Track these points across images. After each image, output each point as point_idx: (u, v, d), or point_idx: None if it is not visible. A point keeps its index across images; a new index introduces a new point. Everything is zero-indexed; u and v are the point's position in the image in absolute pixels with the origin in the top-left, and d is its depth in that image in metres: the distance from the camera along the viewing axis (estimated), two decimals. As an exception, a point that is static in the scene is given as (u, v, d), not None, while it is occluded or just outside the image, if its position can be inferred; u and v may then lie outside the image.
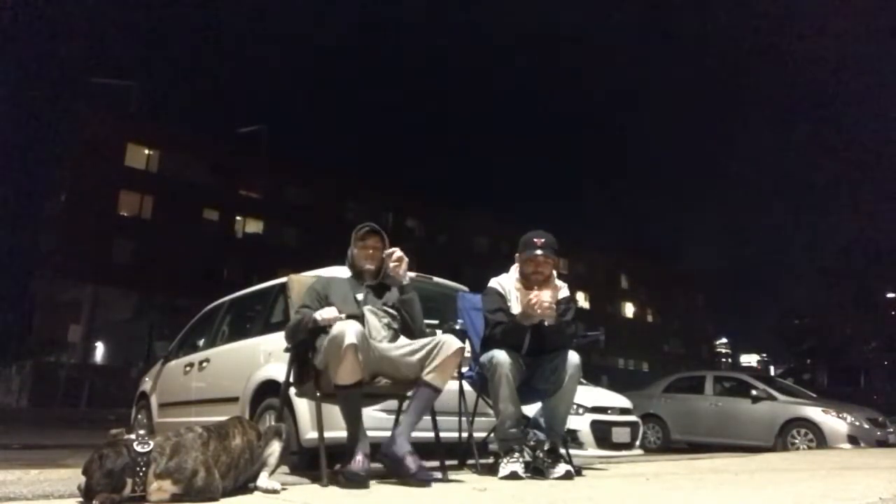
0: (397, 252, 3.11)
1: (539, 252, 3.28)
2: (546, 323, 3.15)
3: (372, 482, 2.62)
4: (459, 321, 3.69)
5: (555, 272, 3.42)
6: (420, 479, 2.60)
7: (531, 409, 3.37)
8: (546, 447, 3.12)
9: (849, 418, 8.74)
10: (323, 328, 2.86)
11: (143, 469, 1.90)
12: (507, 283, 3.37)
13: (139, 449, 1.91)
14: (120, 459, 1.86)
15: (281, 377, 3.22)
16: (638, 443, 6.77)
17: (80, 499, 1.89)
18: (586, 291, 44.54)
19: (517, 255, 3.41)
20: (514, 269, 3.43)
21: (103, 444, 1.90)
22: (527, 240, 3.35)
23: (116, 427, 2.06)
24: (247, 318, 5.32)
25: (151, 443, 1.95)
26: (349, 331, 2.64)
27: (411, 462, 2.64)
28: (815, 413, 8.90)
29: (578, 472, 3.33)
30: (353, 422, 2.75)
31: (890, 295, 32.95)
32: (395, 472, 2.69)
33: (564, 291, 3.41)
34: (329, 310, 2.85)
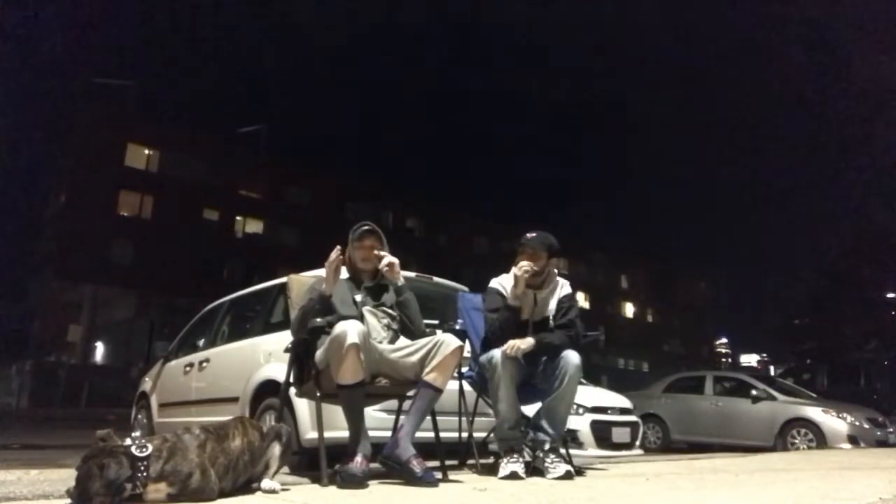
0: (386, 259, 3.10)
1: (528, 244, 3.31)
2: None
3: (371, 482, 2.62)
4: (459, 321, 3.69)
5: (555, 269, 3.43)
6: (426, 482, 2.60)
7: (531, 409, 3.37)
8: (546, 447, 3.12)
9: (849, 418, 8.74)
10: (324, 328, 2.86)
11: (144, 473, 1.90)
12: (507, 283, 3.38)
13: (138, 454, 1.91)
14: (122, 471, 1.85)
15: (281, 377, 3.22)
16: (638, 443, 6.77)
17: (71, 502, 1.87)
18: (586, 291, 44.51)
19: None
20: None
21: (97, 449, 1.87)
22: (522, 237, 3.40)
23: (114, 426, 2.05)
24: (247, 318, 5.31)
25: (150, 446, 1.94)
26: (351, 330, 2.64)
27: (416, 465, 2.63)
28: (815, 413, 8.90)
29: (578, 472, 3.33)
30: (355, 422, 2.74)
31: (890, 295, 32.91)
32: (399, 475, 2.69)
33: (567, 289, 3.43)
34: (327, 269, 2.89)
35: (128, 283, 28.24)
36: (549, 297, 3.37)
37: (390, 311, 3.12)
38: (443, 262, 27.61)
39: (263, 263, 28.19)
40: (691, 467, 4.30)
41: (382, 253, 3.12)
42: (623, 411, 6.75)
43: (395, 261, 3.12)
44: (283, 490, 2.36)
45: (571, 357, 3.16)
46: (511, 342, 3.10)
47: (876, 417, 9.20)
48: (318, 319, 2.90)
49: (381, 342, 2.97)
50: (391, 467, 2.72)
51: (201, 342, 5.62)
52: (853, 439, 8.56)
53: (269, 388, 4.08)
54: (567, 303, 3.38)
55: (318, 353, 2.89)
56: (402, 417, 3.03)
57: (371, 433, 2.82)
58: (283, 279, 3.88)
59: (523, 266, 3.23)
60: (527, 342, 3.12)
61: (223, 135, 34.22)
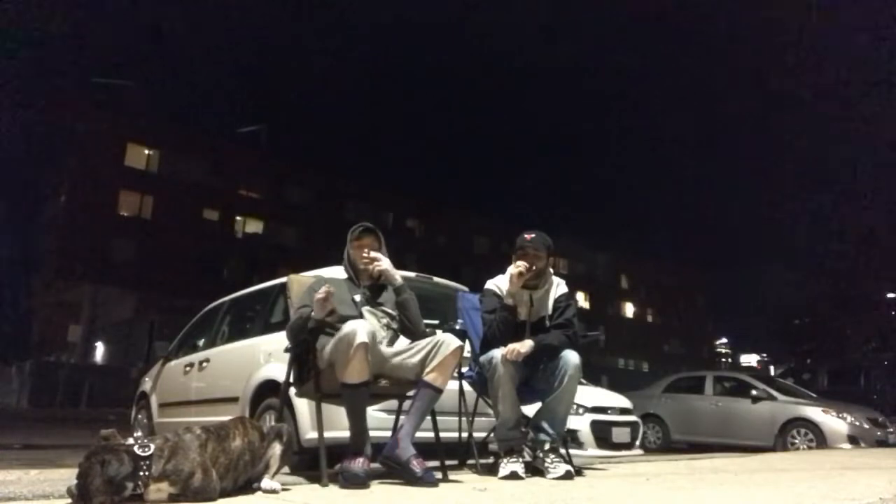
0: (376, 265, 3.09)
1: (529, 245, 3.31)
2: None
3: (372, 482, 2.62)
4: (459, 321, 3.70)
5: (551, 269, 3.44)
6: (426, 482, 2.60)
7: (531, 410, 3.38)
8: (546, 447, 3.12)
9: (849, 418, 8.75)
10: (324, 328, 2.86)
11: (145, 472, 1.90)
12: (503, 284, 3.38)
13: (140, 453, 1.91)
14: (123, 468, 1.85)
15: (281, 377, 3.22)
16: (638, 443, 6.77)
17: (71, 501, 1.86)
18: (586, 291, 44.52)
19: (513, 256, 3.43)
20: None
21: (99, 447, 1.88)
22: (518, 237, 3.40)
23: (115, 426, 2.05)
24: (247, 318, 5.32)
25: (152, 446, 1.95)
26: (360, 329, 2.63)
27: (416, 465, 2.64)
28: (815, 413, 8.91)
29: (578, 472, 3.34)
30: (358, 421, 2.74)
31: (890, 295, 32.93)
32: (399, 475, 2.69)
33: (563, 288, 3.42)
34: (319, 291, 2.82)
35: (128, 283, 28.23)
36: (546, 296, 3.37)
37: (389, 311, 3.12)
38: (443, 262, 27.62)
39: (263, 263, 28.20)
40: (691, 467, 4.30)
41: (374, 254, 3.11)
42: (623, 411, 6.75)
43: (384, 267, 3.10)
44: (284, 490, 2.36)
45: (571, 357, 3.16)
46: (511, 346, 3.10)
47: (876, 417, 9.20)
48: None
49: (380, 342, 2.96)
50: (391, 467, 2.72)
51: (201, 342, 5.63)
52: (853, 439, 8.56)
53: (269, 388, 4.08)
54: (564, 302, 3.37)
55: (326, 350, 2.87)
56: (402, 417, 3.03)
57: (371, 433, 2.81)
58: (283, 279, 3.88)
59: (519, 265, 3.23)
60: (526, 345, 3.12)
61: (223, 135, 34.23)
